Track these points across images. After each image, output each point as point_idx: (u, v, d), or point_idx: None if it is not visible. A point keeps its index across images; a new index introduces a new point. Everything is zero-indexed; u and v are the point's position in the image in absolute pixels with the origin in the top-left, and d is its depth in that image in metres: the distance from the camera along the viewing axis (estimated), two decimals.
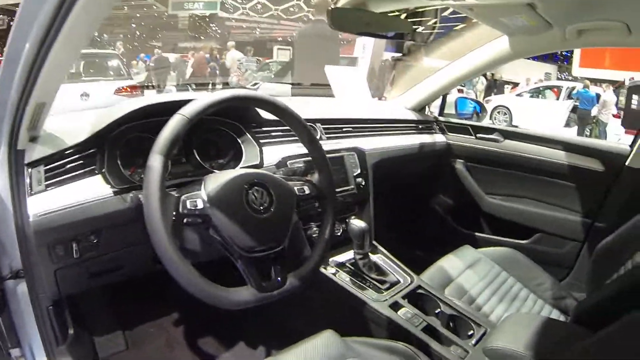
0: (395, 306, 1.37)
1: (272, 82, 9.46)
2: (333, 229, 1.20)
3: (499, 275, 1.63)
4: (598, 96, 10.21)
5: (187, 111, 0.98)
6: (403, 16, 1.45)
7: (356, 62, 9.36)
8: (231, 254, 0.99)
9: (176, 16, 18.78)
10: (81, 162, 1.12)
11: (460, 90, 10.00)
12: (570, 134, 9.61)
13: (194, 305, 0.93)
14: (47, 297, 1.13)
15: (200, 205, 0.96)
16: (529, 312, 1.50)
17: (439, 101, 2.31)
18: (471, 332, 1.33)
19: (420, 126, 2.19)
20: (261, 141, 1.44)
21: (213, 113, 1.06)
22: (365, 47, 9.59)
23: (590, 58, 13.60)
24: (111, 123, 1.16)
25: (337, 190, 1.55)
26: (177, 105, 1.01)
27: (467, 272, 1.61)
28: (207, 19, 20.01)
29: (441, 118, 2.31)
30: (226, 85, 9.12)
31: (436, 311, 1.40)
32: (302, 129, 1.19)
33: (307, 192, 1.16)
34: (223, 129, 1.40)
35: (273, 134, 1.50)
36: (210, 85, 9.85)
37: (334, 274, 1.47)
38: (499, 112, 11.59)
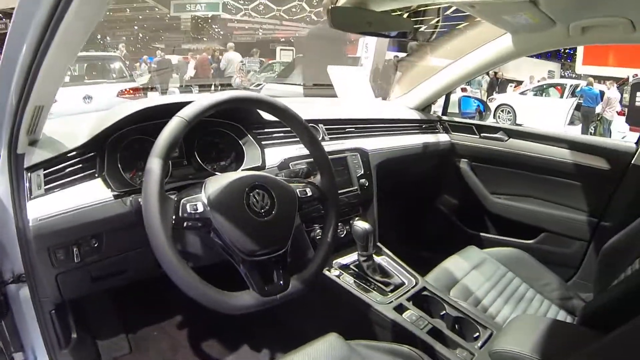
0: (400, 308, 1.35)
1: (275, 82, 9.48)
2: (336, 231, 1.19)
3: (505, 275, 1.62)
4: (602, 93, 10.15)
5: (185, 113, 0.97)
6: (405, 15, 1.44)
7: (358, 62, 9.37)
8: (232, 258, 0.98)
9: (178, 18, 18.84)
10: (81, 165, 1.11)
11: (464, 89, 9.99)
12: (575, 132, 9.59)
13: (198, 309, 0.92)
14: (50, 301, 1.13)
15: (200, 208, 0.95)
16: (535, 313, 1.49)
17: (442, 100, 2.30)
18: (477, 334, 1.32)
19: (423, 126, 2.18)
20: (263, 143, 1.43)
21: (214, 115, 1.06)
22: (368, 47, 9.61)
23: (593, 55, 13.51)
24: (111, 126, 1.15)
25: (341, 191, 1.54)
26: (177, 107, 1.00)
27: (473, 273, 1.59)
28: (210, 21, 20.05)
29: (445, 117, 2.29)
30: (228, 86, 9.11)
31: (441, 313, 1.39)
32: (302, 130, 1.17)
33: (309, 194, 1.15)
34: (224, 130, 1.39)
35: (275, 135, 1.49)
36: (212, 86, 9.87)
37: (338, 277, 1.46)
38: (502, 111, 11.53)
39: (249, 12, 19.21)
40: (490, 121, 2.41)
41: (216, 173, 1.27)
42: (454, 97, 2.35)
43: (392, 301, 1.38)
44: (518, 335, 1.14)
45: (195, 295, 0.89)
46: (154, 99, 1.46)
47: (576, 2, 1.33)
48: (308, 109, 1.76)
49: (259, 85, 9.39)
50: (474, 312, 1.39)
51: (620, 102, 10.31)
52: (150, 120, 1.21)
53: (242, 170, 1.34)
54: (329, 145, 1.59)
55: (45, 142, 1.12)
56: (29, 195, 1.02)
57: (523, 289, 1.58)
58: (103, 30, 17.82)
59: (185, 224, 0.94)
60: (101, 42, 17.30)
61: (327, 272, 1.45)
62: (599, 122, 10.03)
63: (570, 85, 11.20)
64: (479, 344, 1.28)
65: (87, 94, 6.48)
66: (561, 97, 11.17)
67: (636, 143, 1.80)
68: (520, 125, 10.11)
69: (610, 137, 9.27)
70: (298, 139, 1.20)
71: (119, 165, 1.16)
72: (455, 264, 1.62)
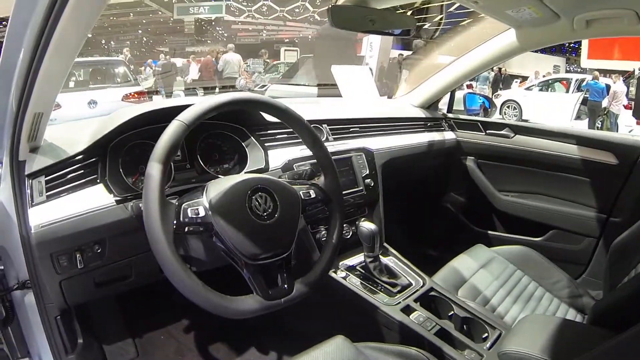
0: (407, 310, 1.34)
1: (280, 83, 9.48)
2: (341, 233, 1.17)
3: (514, 274, 1.60)
4: (608, 87, 10.08)
5: (184, 117, 0.96)
6: (409, 13, 1.42)
7: (363, 61, 9.36)
8: (235, 262, 0.97)
9: (182, 21, 18.88)
10: (82, 171, 1.11)
11: (470, 86, 9.95)
12: (582, 127, 9.52)
13: (204, 312, 0.91)
14: (55, 306, 1.13)
15: (202, 213, 0.94)
16: (544, 311, 1.47)
17: (447, 98, 2.28)
18: (485, 335, 1.30)
19: (428, 123, 2.16)
20: (266, 144, 1.42)
21: (216, 117, 1.05)
22: (373, 46, 9.60)
23: (598, 49, 13.42)
24: (112, 131, 1.15)
25: (346, 191, 1.53)
26: (178, 110, 0.99)
27: (481, 272, 1.58)
28: (213, 23, 20.10)
29: (450, 115, 2.28)
30: (232, 88, 9.12)
31: (449, 314, 1.37)
32: (304, 131, 1.16)
33: (313, 196, 1.13)
34: (227, 133, 1.38)
35: (278, 136, 1.48)
36: (217, 88, 9.88)
37: (345, 278, 1.45)
38: (508, 107, 11.49)
39: (252, 14, 19.22)
40: (496, 117, 2.39)
41: (219, 176, 1.26)
42: (459, 94, 2.33)
43: (399, 302, 1.36)
44: (527, 335, 1.13)
45: (197, 301, 0.88)
46: (155, 103, 1.45)
47: None
48: (311, 109, 1.75)
49: (263, 86, 9.39)
50: (483, 312, 1.38)
51: (627, 95, 10.23)
52: (152, 124, 1.21)
53: (246, 172, 1.33)
54: (333, 146, 1.58)
55: (46, 149, 1.12)
56: (30, 202, 1.02)
57: (532, 288, 1.56)
58: (107, 34, 17.92)
59: (186, 228, 0.93)
60: (105, 46, 17.40)
61: (333, 274, 1.44)
62: (606, 116, 9.96)
63: (576, 80, 11.13)
64: (488, 345, 1.26)
65: (92, 98, 6.50)
66: (567, 91, 11.09)
67: None
68: (526, 120, 10.06)
69: (617, 130, 9.21)
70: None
71: (121, 170, 1.16)
72: (463, 263, 1.61)
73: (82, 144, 1.13)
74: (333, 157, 1.21)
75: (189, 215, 0.93)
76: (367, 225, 1.42)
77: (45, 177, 1.06)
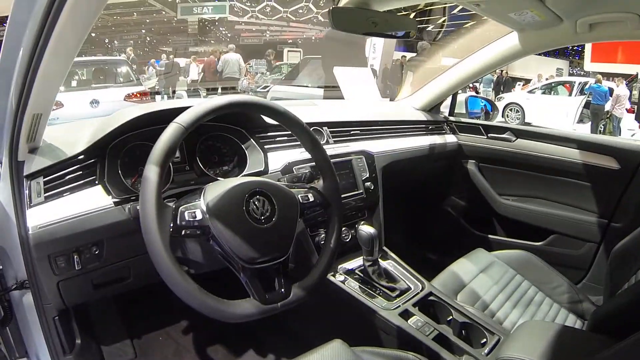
0: (406, 314, 1.33)
1: (283, 84, 9.47)
2: (339, 237, 1.16)
3: (513, 278, 1.59)
4: (611, 91, 10.07)
5: (182, 120, 0.96)
6: (412, 15, 1.42)
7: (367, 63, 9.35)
8: (232, 266, 0.97)
9: (185, 21, 18.90)
10: (81, 172, 1.10)
11: (473, 88, 9.94)
12: (584, 130, 9.50)
13: (202, 314, 0.91)
14: (53, 307, 1.12)
15: (199, 216, 0.94)
16: (544, 317, 1.46)
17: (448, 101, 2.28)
18: (484, 340, 1.30)
19: (430, 127, 2.15)
20: (266, 147, 1.42)
21: (216, 119, 1.04)
22: (376, 48, 9.59)
23: (601, 52, 13.40)
24: (110, 132, 1.15)
25: (346, 194, 1.53)
26: (177, 112, 0.98)
27: (480, 277, 1.57)
28: (217, 23, 20.11)
29: (452, 118, 2.27)
30: (232, 89, 9.12)
31: (448, 319, 1.37)
32: (303, 133, 1.15)
33: (311, 199, 1.13)
34: (227, 135, 1.38)
35: (278, 139, 1.48)
36: (220, 89, 9.87)
37: (343, 282, 1.44)
38: (511, 110, 11.49)
39: (256, 14, 19.23)
40: (499, 120, 2.38)
41: (218, 178, 1.26)
42: (461, 97, 2.32)
43: (397, 307, 1.36)
44: (526, 341, 1.12)
45: (193, 304, 0.88)
46: (156, 104, 1.45)
47: None
48: (312, 111, 1.75)
49: (266, 87, 9.39)
50: (481, 318, 1.37)
51: (630, 99, 10.22)
52: (152, 126, 1.20)
53: (245, 175, 1.32)
54: (333, 148, 1.58)
55: (45, 149, 1.12)
56: (28, 203, 1.02)
57: (532, 292, 1.56)
58: (110, 34, 17.94)
59: (183, 232, 0.92)
60: (109, 46, 17.42)
61: (331, 278, 1.44)
62: (608, 119, 9.94)
63: (579, 83, 11.11)
64: (486, 351, 1.25)
65: (94, 98, 6.52)
66: (570, 95, 11.08)
67: None
68: (529, 123, 10.04)
69: (619, 134, 9.19)
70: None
71: (120, 172, 1.15)
72: (463, 267, 1.60)
73: (81, 144, 1.13)
74: (333, 160, 1.20)
75: (186, 218, 0.92)
76: (366, 229, 1.41)
77: (44, 177, 1.06)
